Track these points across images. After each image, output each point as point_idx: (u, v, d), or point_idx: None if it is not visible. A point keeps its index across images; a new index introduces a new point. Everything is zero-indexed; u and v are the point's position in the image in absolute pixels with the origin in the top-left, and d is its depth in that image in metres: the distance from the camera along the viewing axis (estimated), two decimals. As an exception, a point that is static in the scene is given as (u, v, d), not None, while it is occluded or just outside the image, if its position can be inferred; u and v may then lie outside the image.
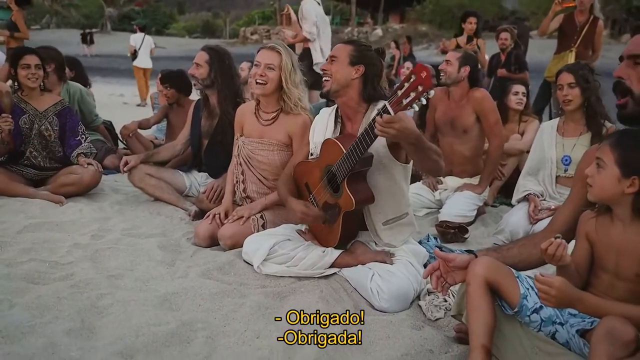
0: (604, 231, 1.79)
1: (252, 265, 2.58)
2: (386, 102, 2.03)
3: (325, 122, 2.69)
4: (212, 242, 2.98)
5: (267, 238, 2.65)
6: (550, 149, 3.47)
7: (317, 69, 5.70)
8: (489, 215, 4.00)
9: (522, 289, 1.82)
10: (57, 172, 3.83)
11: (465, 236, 3.37)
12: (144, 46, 12.58)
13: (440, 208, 3.82)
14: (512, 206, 3.68)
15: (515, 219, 3.41)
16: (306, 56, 6.00)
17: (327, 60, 2.57)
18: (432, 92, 1.93)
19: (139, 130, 5.21)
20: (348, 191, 2.35)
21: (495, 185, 4.31)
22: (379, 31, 34.20)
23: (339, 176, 2.39)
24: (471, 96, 3.84)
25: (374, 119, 2.06)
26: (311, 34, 5.72)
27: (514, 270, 1.87)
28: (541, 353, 1.82)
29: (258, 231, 2.87)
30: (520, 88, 4.57)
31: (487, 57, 7.85)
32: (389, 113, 2.00)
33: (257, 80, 2.92)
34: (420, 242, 2.86)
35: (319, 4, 5.94)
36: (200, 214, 3.47)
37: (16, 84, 3.78)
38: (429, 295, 2.35)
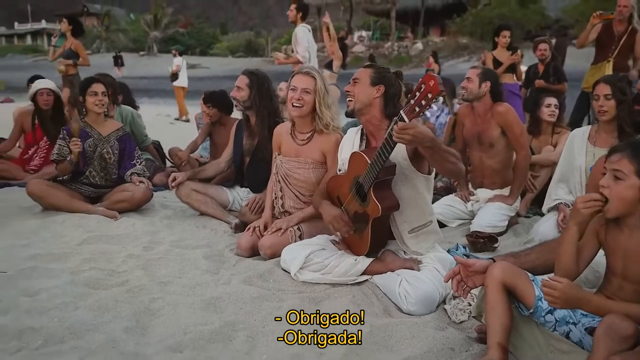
0: (612, 237, 1.91)
1: (290, 273, 2.79)
2: (401, 111, 2.22)
3: (352, 141, 2.89)
4: (253, 252, 3.20)
5: (304, 248, 2.85)
6: (580, 156, 3.48)
7: None
8: (521, 225, 4.08)
9: (537, 291, 1.95)
10: (112, 189, 4.15)
11: (495, 245, 3.48)
12: (182, 68, 14.00)
13: (473, 219, 3.95)
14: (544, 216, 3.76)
15: (545, 228, 3.49)
16: None
17: (350, 82, 2.78)
18: (440, 98, 2.12)
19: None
20: (374, 199, 2.54)
21: (528, 197, 4.39)
22: (419, 45, 34.21)
23: (365, 185, 2.58)
24: (495, 111, 3.96)
25: (391, 128, 2.25)
26: (304, 57, 6.29)
27: (529, 274, 2.01)
28: (556, 351, 1.95)
29: (295, 242, 3.07)
30: (552, 100, 4.64)
31: (523, 68, 7.90)
32: (404, 120, 2.19)
33: (294, 104, 3.14)
34: (448, 251, 3.00)
35: (309, 30, 6.51)
36: (242, 227, 3.70)
37: (83, 110, 4.12)
38: (454, 299, 2.50)
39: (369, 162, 2.52)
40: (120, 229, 3.65)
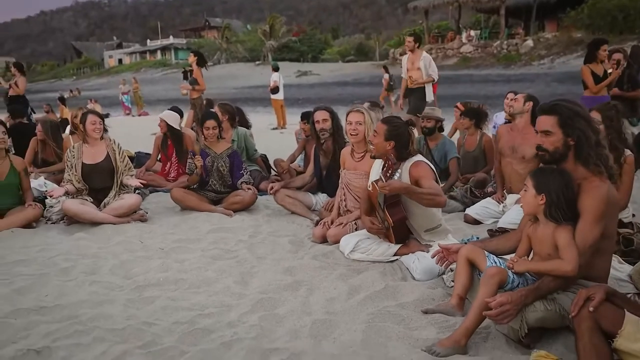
0: (533, 229, 2.96)
1: (344, 254, 4.04)
2: (380, 174, 3.52)
3: (377, 168, 4.04)
4: (324, 240, 4.47)
5: (354, 236, 4.10)
6: None
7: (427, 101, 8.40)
8: (546, 223, 5.00)
9: (488, 262, 3.04)
10: (228, 195, 5.63)
11: (508, 238, 4.48)
12: (280, 83, 15.93)
13: (503, 218, 4.94)
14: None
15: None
16: (421, 91, 8.44)
17: (373, 133, 3.93)
18: (398, 171, 3.53)
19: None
20: (387, 214, 3.73)
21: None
22: (529, 42, 33.35)
23: (381, 204, 3.76)
24: (534, 137, 4.88)
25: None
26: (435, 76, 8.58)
27: (486, 252, 3.10)
28: (498, 301, 3.04)
29: (352, 232, 4.31)
30: (594, 115, 5.41)
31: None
32: (383, 180, 3.45)
33: (351, 133, 4.44)
34: (462, 240, 4.09)
35: None
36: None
37: (203, 136, 5.66)
38: (451, 271, 3.61)
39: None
40: (234, 223, 5.13)
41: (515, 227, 4.71)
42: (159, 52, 70.67)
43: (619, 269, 3.44)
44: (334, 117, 5.13)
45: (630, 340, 2.26)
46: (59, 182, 6.03)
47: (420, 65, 8.42)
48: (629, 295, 2.92)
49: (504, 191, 5.22)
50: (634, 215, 4.44)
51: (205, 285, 3.56)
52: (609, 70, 7.37)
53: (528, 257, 2.97)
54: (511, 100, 6.09)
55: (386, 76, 19.53)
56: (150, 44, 75.51)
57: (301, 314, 3.09)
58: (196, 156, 5.49)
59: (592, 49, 7.36)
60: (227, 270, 3.82)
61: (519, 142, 4.96)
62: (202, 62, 10.14)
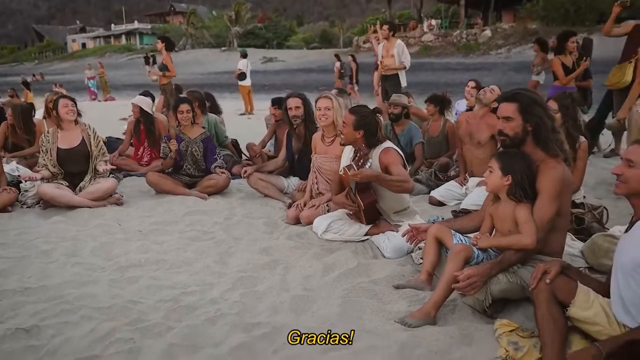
0: (495, 208, 3.19)
1: (317, 234, 4.22)
2: (352, 162, 3.68)
3: (348, 154, 4.24)
4: (297, 221, 4.64)
5: (327, 218, 4.28)
6: None
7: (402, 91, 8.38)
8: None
9: (455, 240, 3.26)
10: (202, 178, 5.75)
11: (471, 219, 4.74)
12: (248, 70, 15.87)
13: (465, 199, 5.20)
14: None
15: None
16: (395, 77, 8.83)
17: (342, 123, 4.11)
18: (370, 160, 3.68)
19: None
20: (358, 197, 3.93)
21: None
22: (487, 32, 34.18)
23: (353, 189, 3.96)
24: (490, 122, 5.15)
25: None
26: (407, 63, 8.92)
27: (452, 231, 3.32)
28: (463, 276, 3.27)
29: (324, 214, 4.49)
30: (552, 105, 5.70)
31: None
32: (354, 169, 3.62)
33: (321, 118, 4.63)
34: (428, 221, 4.32)
35: None
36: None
37: (177, 122, 5.74)
38: (419, 250, 3.83)
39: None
40: (209, 205, 5.26)
41: (477, 208, 4.98)
42: (123, 37, 69.26)
43: (572, 245, 3.72)
44: (306, 103, 5.31)
45: (582, 309, 2.50)
46: (31, 166, 6.06)
47: (394, 52, 8.71)
48: (580, 269, 3.20)
49: (466, 174, 5.48)
50: (584, 197, 4.74)
51: (185, 265, 3.71)
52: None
53: (491, 234, 3.20)
54: (476, 90, 6.37)
55: (338, 64, 19.78)
56: (115, 28, 73.96)
57: (280, 291, 3.27)
58: (171, 140, 5.57)
59: (561, 41, 7.59)
60: (206, 251, 3.97)
61: (475, 129, 5.24)
62: (170, 47, 10.15)
